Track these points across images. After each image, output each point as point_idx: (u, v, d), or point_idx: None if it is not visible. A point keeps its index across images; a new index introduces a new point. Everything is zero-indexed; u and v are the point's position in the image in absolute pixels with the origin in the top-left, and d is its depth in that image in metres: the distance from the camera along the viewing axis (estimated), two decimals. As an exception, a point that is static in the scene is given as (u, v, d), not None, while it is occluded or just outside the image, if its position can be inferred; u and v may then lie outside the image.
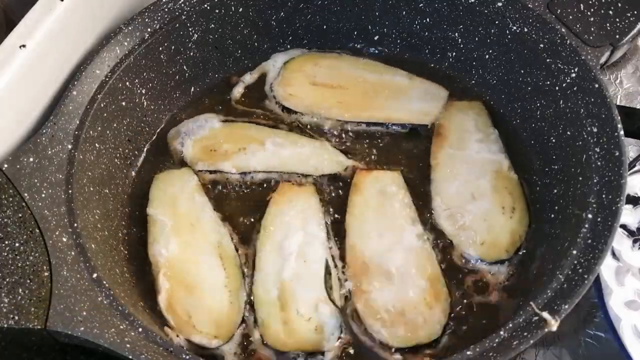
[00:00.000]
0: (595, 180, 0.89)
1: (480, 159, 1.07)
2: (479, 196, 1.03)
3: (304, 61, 1.17)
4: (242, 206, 1.05)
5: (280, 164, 1.07)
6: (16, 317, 0.80)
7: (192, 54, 1.11)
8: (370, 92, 1.14)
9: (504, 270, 0.97)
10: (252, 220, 1.03)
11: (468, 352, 0.78)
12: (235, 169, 1.06)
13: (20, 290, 0.82)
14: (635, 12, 1.01)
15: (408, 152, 1.10)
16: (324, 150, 1.09)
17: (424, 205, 1.04)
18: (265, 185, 1.07)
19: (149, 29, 1.04)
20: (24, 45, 0.91)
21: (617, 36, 0.99)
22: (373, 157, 1.09)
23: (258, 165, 1.07)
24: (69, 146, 0.93)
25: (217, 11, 1.09)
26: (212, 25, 1.10)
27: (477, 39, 1.10)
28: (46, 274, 0.83)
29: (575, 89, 0.97)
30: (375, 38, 1.20)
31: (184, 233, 0.99)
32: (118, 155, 1.04)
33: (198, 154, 1.08)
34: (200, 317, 0.93)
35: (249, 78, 1.17)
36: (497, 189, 1.03)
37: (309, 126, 1.12)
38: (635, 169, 1.00)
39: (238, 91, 1.16)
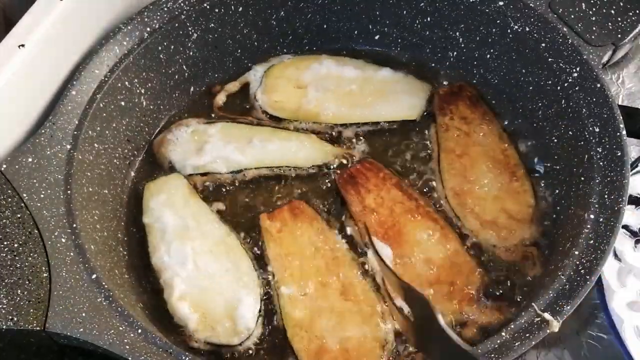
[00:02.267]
0: (597, 181, 0.89)
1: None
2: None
3: (284, 67, 1.17)
4: (238, 204, 1.05)
5: (270, 159, 1.07)
6: (15, 319, 0.80)
7: (191, 53, 1.11)
8: (355, 90, 1.14)
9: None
10: (251, 215, 1.03)
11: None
12: (226, 168, 1.06)
13: (19, 291, 0.81)
14: (637, 12, 1.00)
15: (400, 143, 1.10)
16: (312, 141, 1.09)
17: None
18: (257, 181, 1.07)
19: (148, 29, 1.03)
20: (22, 45, 0.91)
21: (619, 35, 0.99)
22: (363, 152, 1.10)
23: (247, 162, 1.06)
24: (68, 146, 0.93)
25: (216, 10, 1.08)
26: (212, 25, 1.09)
27: (478, 38, 1.10)
28: (45, 275, 0.82)
29: (577, 88, 0.97)
30: (376, 37, 1.19)
31: (184, 236, 0.99)
32: (117, 155, 1.04)
33: (185, 158, 1.07)
34: (217, 317, 0.92)
35: (232, 87, 1.16)
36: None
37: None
38: (638, 169, 1.00)
39: (221, 99, 1.15)
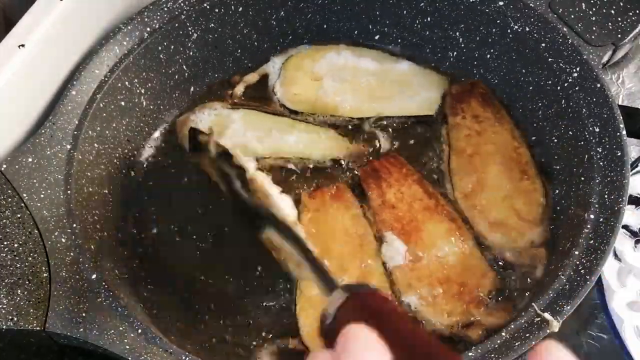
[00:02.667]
0: (597, 181, 0.89)
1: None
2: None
3: (301, 58, 1.17)
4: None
5: (287, 150, 1.07)
6: (15, 319, 0.80)
7: (191, 53, 1.11)
8: (373, 82, 1.14)
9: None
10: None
11: (470, 354, 0.78)
12: (243, 155, 1.05)
13: (19, 291, 0.81)
14: (638, 12, 1.00)
15: (418, 138, 1.10)
16: (331, 135, 1.09)
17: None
18: (274, 171, 1.06)
19: (148, 29, 1.03)
20: (22, 45, 0.90)
21: (619, 35, 0.99)
22: (381, 145, 1.10)
23: (265, 151, 1.07)
24: (68, 146, 0.93)
25: (216, 10, 1.08)
26: (212, 25, 1.09)
27: (478, 38, 1.10)
28: (45, 275, 0.82)
29: (577, 88, 0.97)
30: (376, 37, 1.19)
31: None
32: (117, 155, 1.04)
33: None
34: None
35: (251, 78, 1.17)
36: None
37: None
38: (638, 169, 1.00)
39: (240, 89, 1.15)
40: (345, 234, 0.99)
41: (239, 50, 1.16)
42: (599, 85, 0.95)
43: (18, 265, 0.83)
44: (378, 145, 1.09)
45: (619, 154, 0.89)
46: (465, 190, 1.03)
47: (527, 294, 0.94)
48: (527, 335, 0.78)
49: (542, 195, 1.01)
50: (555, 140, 1.01)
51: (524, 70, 1.06)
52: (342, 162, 1.08)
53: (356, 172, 1.06)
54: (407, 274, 0.95)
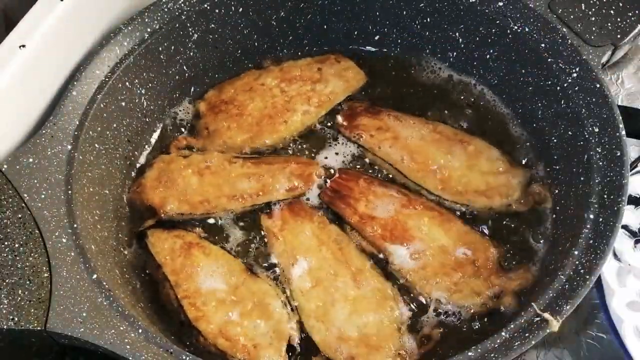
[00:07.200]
0: (596, 181, 0.89)
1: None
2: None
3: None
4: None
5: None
6: (16, 319, 0.80)
7: (192, 54, 1.11)
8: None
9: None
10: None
11: (469, 353, 0.78)
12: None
13: (20, 291, 0.82)
14: (637, 12, 1.00)
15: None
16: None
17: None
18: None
19: (148, 29, 1.04)
20: (23, 46, 0.91)
21: (619, 36, 0.99)
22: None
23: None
24: (69, 146, 0.93)
25: (217, 11, 1.08)
26: (212, 25, 1.10)
27: (478, 38, 1.10)
28: (46, 275, 0.82)
29: (576, 89, 0.97)
30: (376, 38, 1.20)
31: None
32: (118, 155, 1.04)
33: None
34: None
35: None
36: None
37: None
38: (637, 169, 1.00)
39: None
40: (320, 242, 0.99)
41: (239, 51, 1.16)
42: (598, 85, 0.95)
43: (19, 265, 0.83)
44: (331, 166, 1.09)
45: (619, 154, 0.89)
46: (437, 186, 1.03)
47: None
48: (527, 335, 0.78)
49: (490, 146, 1.05)
50: (555, 141, 1.01)
51: (523, 71, 1.06)
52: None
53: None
54: (422, 274, 0.96)
